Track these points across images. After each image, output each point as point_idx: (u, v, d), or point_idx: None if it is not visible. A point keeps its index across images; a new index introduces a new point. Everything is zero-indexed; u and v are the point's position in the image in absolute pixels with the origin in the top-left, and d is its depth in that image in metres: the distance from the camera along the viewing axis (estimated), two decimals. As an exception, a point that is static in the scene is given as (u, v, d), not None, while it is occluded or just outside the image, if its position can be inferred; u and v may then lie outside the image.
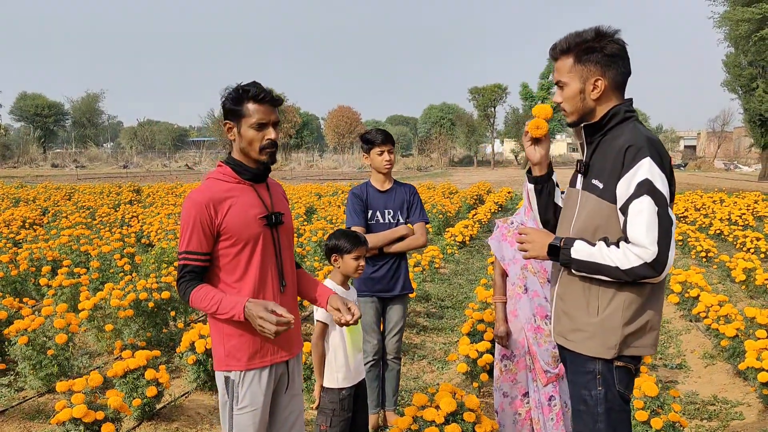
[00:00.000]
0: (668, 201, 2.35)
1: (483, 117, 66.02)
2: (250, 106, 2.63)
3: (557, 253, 2.47)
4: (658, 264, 2.28)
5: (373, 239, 4.23)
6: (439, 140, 70.00)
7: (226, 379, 2.69)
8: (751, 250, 11.06)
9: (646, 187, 2.30)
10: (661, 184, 2.32)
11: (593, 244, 2.39)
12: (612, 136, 2.47)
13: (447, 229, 13.51)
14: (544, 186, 2.75)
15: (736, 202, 18.49)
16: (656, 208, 2.29)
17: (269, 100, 2.66)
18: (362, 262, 3.64)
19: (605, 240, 2.39)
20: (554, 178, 2.78)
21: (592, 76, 2.47)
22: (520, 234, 2.62)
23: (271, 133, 2.66)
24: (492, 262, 8.71)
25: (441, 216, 15.37)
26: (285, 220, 2.81)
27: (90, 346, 6.53)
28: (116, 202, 18.17)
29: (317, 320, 3.47)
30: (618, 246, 2.34)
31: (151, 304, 6.35)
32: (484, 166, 65.66)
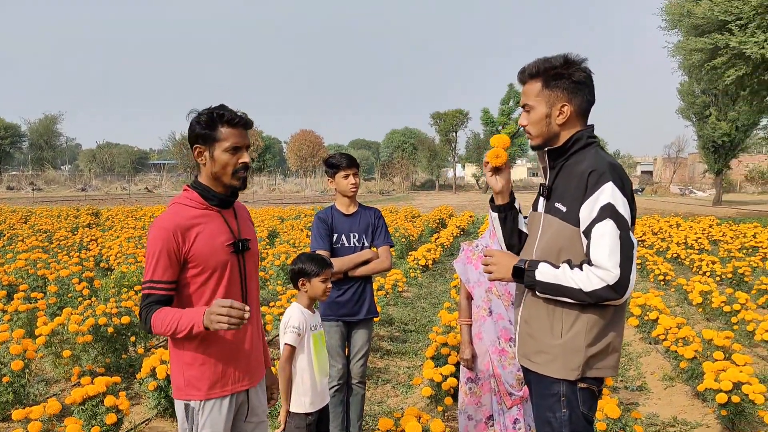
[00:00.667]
0: (630, 225, 2.40)
1: (445, 142, 66.69)
2: (224, 130, 2.60)
3: (522, 275, 2.49)
4: (620, 287, 2.32)
5: (338, 263, 4.22)
6: (402, 164, 70.43)
7: (186, 407, 2.65)
8: (707, 274, 11.31)
9: (608, 211, 2.35)
10: (623, 208, 2.37)
11: (557, 267, 2.42)
12: (575, 160, 2.52)
13: (410, 253, 13.55)
14: (507, 214, 2.78)
15: (691, 227, 18.91)
16: (618, 232, 2.34)
17: (243, 123, 2.63)
18: (329, 285, 3.64)
19: (569, 262, 2.43)
20: (517, 205, 2.82)
21: (559, 101, 2.52)
22: (486, 256, 2.64)
23: (244, 157, 2.63)
24: (455, 286, 8.78)
25: (404, 240, 15.41)
26: (251, 246, 2.78)
27: (47, 372, 6.37)
28: (74, 226, 17.83)
29: (285, 343, 3.45)
30: (581, 268, 2.38)
31: (110, 330, 6.23)
32: (445, 190, 66.14)
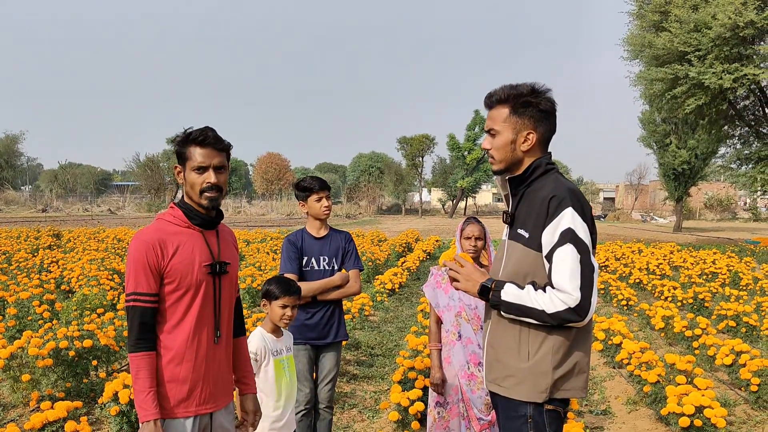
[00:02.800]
0: (590, 249, 2.45)
1: (411, 166, 66.99)
2: (193, 150, 2.63)
3: (488, 293, 2.53)
4: (581, 309, 2.38)
5: (308, 287, 4.22)
6: (368, 188, 70.58)
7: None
8: (669, 299, 11.50)
9: (569, 236, 2.41)
10: (582, 232, 2.43)
11: (522, 287, 2.47)
12: (535, 187, 2.58)
13: (376, 277, 13.54)
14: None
15: (653, 253, 19.25)
16: (579, 256, 2.40)
17: (210, 143, 2.64)
18: (289, 312, 3.61)
19: (533, 284, 2.48)
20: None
21: (525, 129, 2.57)
22: (458, 264, 2.65)
23: (210, 177, 2.64)
24: (422, 310, 8.79)
25: (370, 263, 15.40)
26: (230, 270, 2.78)
27: (5, 397, 6.20)
28: (34, 247, 17.47)
29: None
30: (545, 290, 2.43)
31: (72, 353, 6.10)
32: (412, 215, 66.35)
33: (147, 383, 2.53)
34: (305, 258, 4.35)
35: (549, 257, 2.44)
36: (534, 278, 2.51)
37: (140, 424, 2.52)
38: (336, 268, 4.41)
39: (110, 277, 10.59)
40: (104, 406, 5.18)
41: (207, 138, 2.63)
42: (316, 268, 4.35)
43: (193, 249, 2.65)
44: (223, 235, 2.82)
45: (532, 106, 2.56)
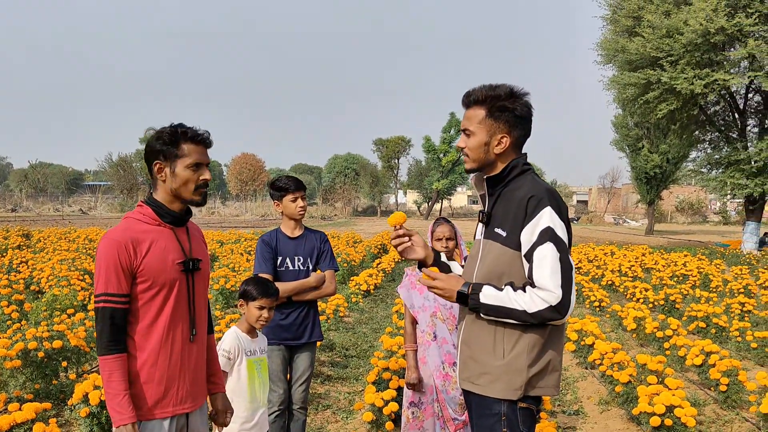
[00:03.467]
0: (568, 248, 2.49)
1: (387, 168, 67.14)
2: (187, 147, 2.62)
3: (466, 298, 2.54)
4: (562, 307, 2.40)
5: (283, 288, 4.20)
6: (344, 190, 70.53)
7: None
8: (641, 300, 11.63)
9: (548, 235, 2.43)
10: (561, 231, 2.46)
11: (500, 289, 2.48)
12: (512, 187, 2.59)
13: (351, 278, 13.53)
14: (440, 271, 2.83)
15: (625, 255, 19.46)
16: (558, 254, 2.43)
17: (205, 141, 2.67)
18: (266, 314, 3.59)
19: (511, 285, 2.49)
20: (443, 258, 2.90)
21: (500, 132, 2.58)
22: (431, 279, 2.65)
23: (206, 174, 2.66)
24: (397, 311, 8.79)
25: (345, 265, 15.38)
26: (202, 266, 2.76)
27: (-29, 399, 6.08)
28: (3, 247, 17.19)
29: None
30: (524, 290, 2.45)
31: (41, 354, 6.00)
32: (387, 216, 66.31)
33: (122, 386, 2.49)
34: (280, 258, 4.33)
35: (528, 256, 2.46)
36: (510, 277, 2.52)
37: (114, 429, 2.47)
38: (311, 268, 4.39)
39: (81, 277, 10.45)
40: (74, 407, 5.10)
41: (203, 136, 2.66)
42: (291, 268, 4.33)
43: (166, 247, 2.62)
44: (192, 232, 2.80)
45: (508, 110, 2.57)
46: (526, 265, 2.48)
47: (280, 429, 4.34)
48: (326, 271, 4.43)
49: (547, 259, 2.42)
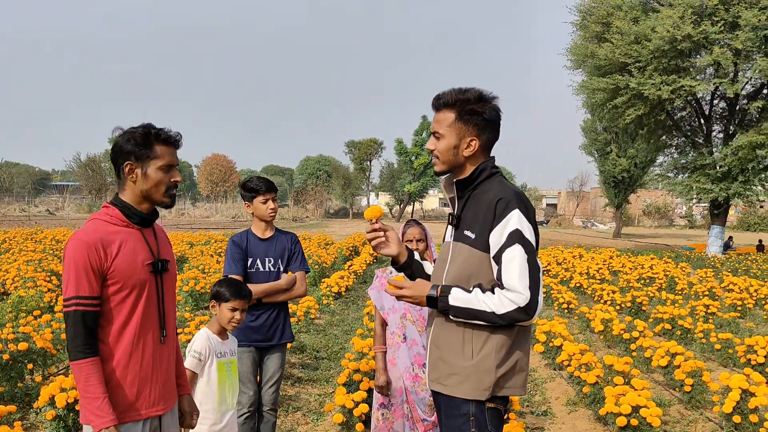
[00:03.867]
0: (535, 250, 2.53)
1: (359, 170, 67.13)
2: (160, 148, 2.59)
3: (436, 301, 2.56)
4: (530, 308, 2.44)
5: (253, 290, 4.19)
6: (315, 192, 70.33)
7: None
8: (608, 302, 11.80)
9: (516, 237, 2.47)
10: (528, 233, 2.50)
11: (469, 291, 2.51)
12: (481, 190, 2.63)
13: (323, 280, 13.51)
14: (411, 268, 2.88)
15: (593, 258, 19.72)
16: (526, 256, 2.46)
17: (176, 142, 2.66)
18: (238, 315, 3.59)
19: (480, 286, 2.52)
20: (416, 256, 2.91)
21: (469, 135, 2.62)
22: (398, 288, 2.66)
23: (177, 176, 2.65)
24: (368, 313, 8.80)
25: (317, 267, 15.36)
26: (170, 267, 2.74)
27: (-67, 402, 5.96)
28: (-33, 248, 16.87)
29: (185, 368, 3.38)
30: (493, 292, 2.48)
31: (6, 356, 5.91)
32: (359, 218, 66.36)
33: (100, 389, 2.45)
34: (250, 259, 4.32)
35: (497, 258, 2.49)
36: (478, 279, 2.55)
37: None
38: (281, 269, 4.38)
39: (48, 278, 10.30)
40: (40, 410, 5.03)
41: (174, 138, 2.64)
42: (261, 269, 4.32)
43: (135, 248, 2.59)
44: (158, 233, 2.79)
45: (477, 114, 2.60)
46: (495, 267, 2.51)
47: (249, 431, 4.33)
48: (297, 272, 4.42)
49: (515, 261, 2.45)
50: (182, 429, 2.95)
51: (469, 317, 2.50)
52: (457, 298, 2.50)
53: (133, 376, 2.57)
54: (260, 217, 4.36)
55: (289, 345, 7.14)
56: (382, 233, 2.78)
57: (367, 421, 5.07)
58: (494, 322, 2.47)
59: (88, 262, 2.47)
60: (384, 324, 4.27)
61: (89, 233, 2.53)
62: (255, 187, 4.32)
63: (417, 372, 4.11)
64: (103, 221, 2.60)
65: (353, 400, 5.23)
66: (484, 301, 2.46)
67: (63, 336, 6.78)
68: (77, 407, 4.96)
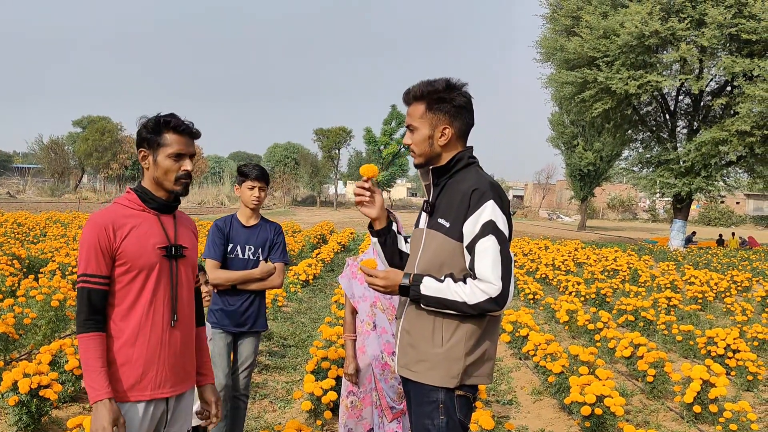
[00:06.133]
0: (508, 240, 2.55)
1: (327, 158, 66.82)
2: (169, 137, 2.63)
3: (408, 290, 2.57)
4: (502, 298, 2.46)
5: (227, 276, 4.17)
6: (283, 179, 69.91)
7: None
8: (573, 294, 11.95)
9: (490, 228, 2.49)
10: (502, 224, 2.52)
11: (441, 281, 2.52)
12: (457, 179, 2.64)
13: (290, 268, 13.46)
14: (386, 237, 2.90)
15: (559, 249, 19.97)
16: (499, 247, 2.48)
17: (188, 131, 2.67)
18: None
19: (451, 276, 2.53)
20: (395, 227, 2.94)
21: (441, 124, 2.63)
22: (369, 276, 2.67)
23: (187, 165, 2.66)
24: (336, 301, 8.81)
25: (284, 254, 15.26)
26: (187, 254, 2.75)
27: None
28: (-76, 230, 16.43)
29: None
30: (465, 282, 2.49)
31: (-34, 341, 5.79)
32: (327, 207, 66.23)
33: (98, 363, 2.49)
34: (231, 245, 4.29)
35: (470, 248, 2.51)
36: (450, 268, 2.56)
37: (91, 405, 2.47)
38: (261, 258, 4.35)
39: (9, 262, 10.09)
40: (3, 396, 4.94)
41: (186, 127, 2.66)
42: (240, 256, 4.29)
43: (147, 231, 2.63)
44: (181, 221, 2.80)
45: (446, 102, 2.62)
46: (467, 257, 2.53)
47: (223, 416, 4.29)
48: (276, 263, 4.40)
49: (488, 251, 2.47)
50: (211, 419, 2.92)
51: (440, 306, 2.52)
52: (428, 287, 2.51)
53: (139, 355, 2.59)
54: (245, 203, 4.35)
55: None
56: (368, 193, 2.82)
57: (335, 408, 5.08)
58: (465, 312, 2.49)
59: (97, 242, 2.54)
60: (354, 312, 4.26)
61: (103, 215, 2.60)
62: (246, 171, 4.32)
63: (386, 360, 4.12)
64: (122, 205, 2.67)
65: (322, 388, 5.23)
66: (456, 291, 2.48)
67: (26, 321, 6.67)
68: (41, 393, 4.89)
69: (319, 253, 16.19)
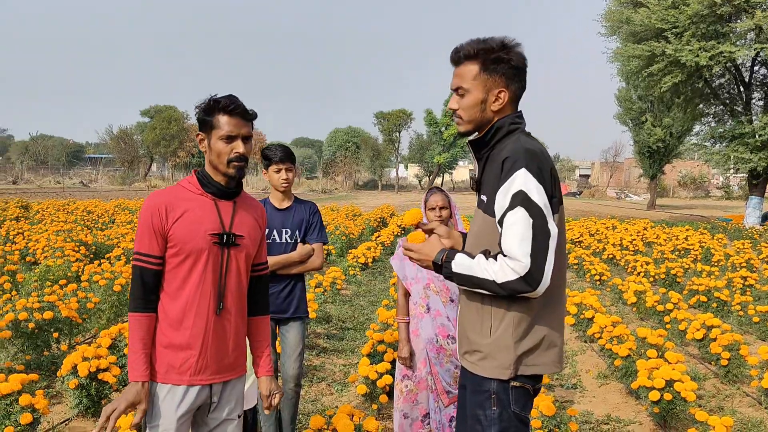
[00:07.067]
0: (546, 213, 2.25)
1: (388, 141, 66.75)
2: (221, 118, 2.57)
3: (440, 268, 2.39)
4: (532, 278, 2.19)
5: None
6: (344, 163, 70.24)
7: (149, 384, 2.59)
8: (641, 274, 11.52)
9: (519, 199, 2.22)
10: (537, 195, 2.23)
11: (472, 257, 2.31)
12: (497, 150, 2.40)
13: (350, 251, 13.43)
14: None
15: (627, 229, 19.34)
16: (530, 220, 2.21)
17: (240, 112, 2.58)
18: None
19: (485, 252, 2.31)
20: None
21: (496, 87, 2.38)
22: (407, 249, 2.51)
23: (239, 147, 2.58)
24: (394, 284, 8.69)
25: (344, 237, 15.28)
26: (242, 243, 2.67)
27: (-39, 370, 6.01)
28: (1, 218, 17.09)
29: None
30: (496, 259, 2.26)
31: (31, 325, 5.91)
32: (388, 190, 66.25)
33: (139, 345, 2.51)
34: (267, 230, 4.17)
35: (501, 222, 2.27)
36: (489, 246, 2.35)
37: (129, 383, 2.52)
38: (298, 240, 4.23)
39: (76, 248, 10.35)
40: (63, 379, 5.01)
41: (237, 107, 2.58)
42: (278, 240, 4.16)
43: (201, 216, 2.59)
44: (242, 207, 2.72)
45: (503, 62, 2.36)
46: (500, 232, 2.28)
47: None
48: (314, 244, 4.26)
49: (516, 225, 2.21)
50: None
51: (471, 285, 2.31)
52: (459, 264, 2.31)
53: (181, 340, 2.57)
54: (274, 187, 4.20)
55: (312, 315, 7.07)
56: (427, 235, 2.61)
57: (390, 392, 4.98)
58: (496, 292, 2.26)
59: (150, 222, 2.54)
60: (407, 294, 4.14)
61: (160, 195, 2.62)
62: (270, 155, 4.16)
63: (441, 343, 3.99)
64: (182, 187, 2.66)
65: (377, 371, 5.12)
66: (486, 269, 2.24)
67: (89, 305, 6.79)
68: (100, 376, 4.95)
69: (378, 236, 16.12)
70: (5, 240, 12.62)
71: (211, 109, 2.58)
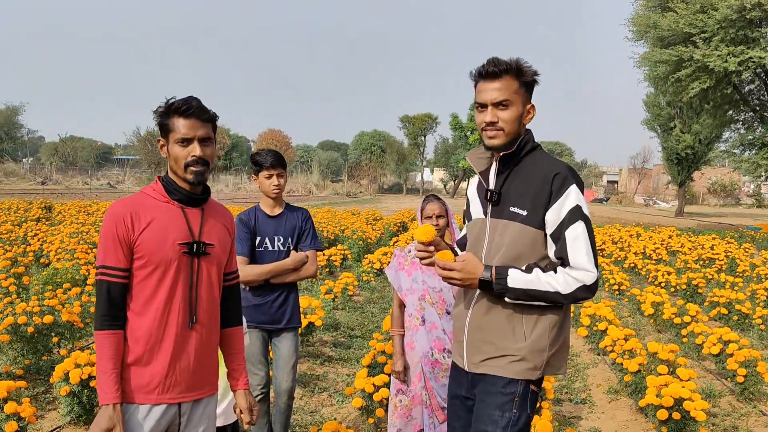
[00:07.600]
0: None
1: (413, 145, 66.68)
2: (176, 121, 2.44)
3: (490, 284, 2.45)
4: (595, 285, 2.42)
5: (258, 271, 3.94)
6: (369, 167, 70.22)
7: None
8: (662, 284, 11.22)
9: (578, 213, 2.41)
10: (586, 209, 2.46)
11: (528, 272, 2.42)
12: (526, 163, 2.52)
13: (366, 256, 13.29)
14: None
15: (651, 237, 18.95)
16: (588, 233, 2.42)
17: (194, 113, 2.44)
18: None
19: (537, 266, 2.44)
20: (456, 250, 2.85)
21: (528, 102, 2.52)
22: (444, 269, 2.50)
23: (196, 150, 2.44)
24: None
25: (361, 242, 15.14)
26: (213, 251, 2.54)
27: (-41, 374, 5.97)
28: (23, 219, 17.23)
29: None
30: (555, 271, 2.42)
31: (30, 329, 5.86)
32: (413, 194, 66.07)
33: (109, 364, 2.36)
34: (258, 238, 4.04)
35: (556, 236, 2.42)
36: (529, 258, 2.47)
37: (100, 407, 2.36)
38: (291, 248, 4.10)
39: (88, 250, 10.35)
40: (55, 386, 4.94)
41: (190, 108, 2.43)
42: (270, 248, 4.04)
43: (168, 225, 2.45)
44: (210, 215, 2.59)
45: (535, 82, 2.53)
46: (551, 246, 2.44)
47: (263, 414, 4.12)
48: (308, 251, 4.14)
49: (580, 238, 2.40)
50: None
51: (528, 299, 2.43)
52: (516, 279, 2.42)
53: (150, 357, 2.44)
54: (265, 193, 4.08)
55: (319, 323, 6.94)
56: (432, 248, 2.63)
57: (388, 406, 4.82)
58: (558, 302, 2.42)
59: (115, 233, 2.40)
60: (402, 306, 4.01)
61: (124, 204, 2.46)
62: (260, 160, 4.03)
63: (437, 357, 3.85)
64: (146, 194, 2.52)
65: (374, 384, 4.96)
66: (548, 282, 2.40)
67: (92, 309, 6.73)
68: (92, 384, 4.86)
69: (397, 241, 15.95)
70: (23, 241, 12.68)
71: (166, 112, 2.45)
